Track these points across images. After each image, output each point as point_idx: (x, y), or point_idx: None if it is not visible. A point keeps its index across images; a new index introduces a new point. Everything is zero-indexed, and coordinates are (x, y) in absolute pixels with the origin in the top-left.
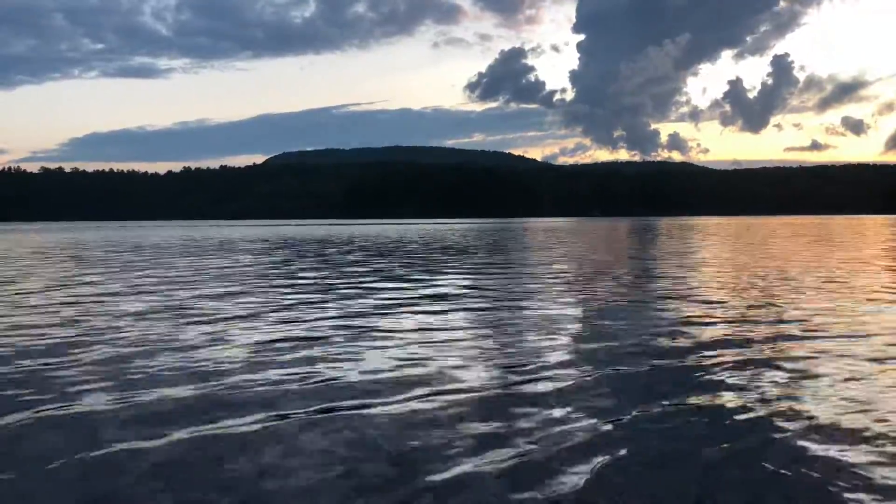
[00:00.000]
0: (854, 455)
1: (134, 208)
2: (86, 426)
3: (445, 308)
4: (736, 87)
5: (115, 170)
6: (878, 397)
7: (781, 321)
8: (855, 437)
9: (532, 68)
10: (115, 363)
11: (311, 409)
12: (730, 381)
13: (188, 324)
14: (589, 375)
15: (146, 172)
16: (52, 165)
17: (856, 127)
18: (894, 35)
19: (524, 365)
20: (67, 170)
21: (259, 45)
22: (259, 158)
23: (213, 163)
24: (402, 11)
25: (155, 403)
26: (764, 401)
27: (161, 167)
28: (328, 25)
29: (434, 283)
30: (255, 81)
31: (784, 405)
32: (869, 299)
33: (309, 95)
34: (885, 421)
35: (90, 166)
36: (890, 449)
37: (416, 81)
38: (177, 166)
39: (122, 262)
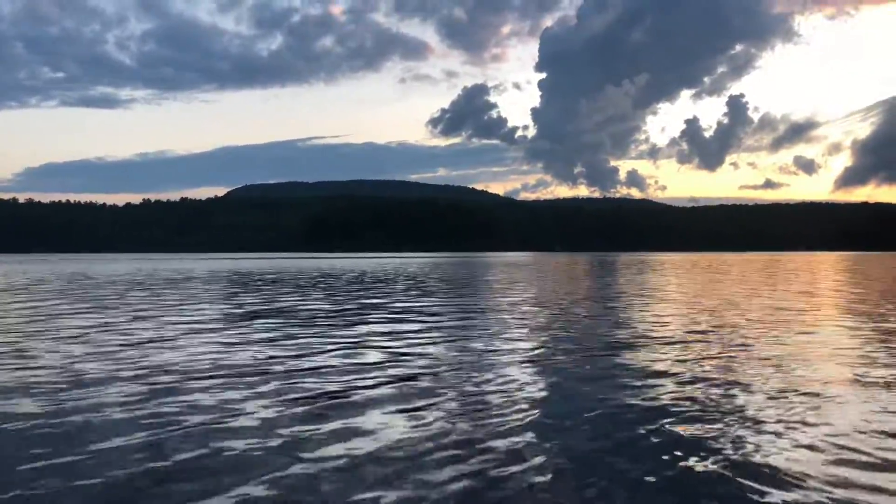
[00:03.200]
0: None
1: (91, 240)
2: None
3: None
4: (693, 125)
5: (73, 201)
6: (829, 411)
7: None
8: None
9: (494, 105)
10: None
11: None
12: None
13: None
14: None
15: (104, 204)
16: (6, 196)
17: (807, 166)
18: (844, 79)
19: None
20: (21, 200)
21: (224, 77)
22: (220, 191)
23: (174, 195)
24: (369, 47)
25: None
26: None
27: (120, 199)
28: (295, 58)
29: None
30: (218, 113)
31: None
32: (802, 327)
33: (273, 128)
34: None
35: (45, 197)
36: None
37: (382, 116)
38: (136, 198)
39: None
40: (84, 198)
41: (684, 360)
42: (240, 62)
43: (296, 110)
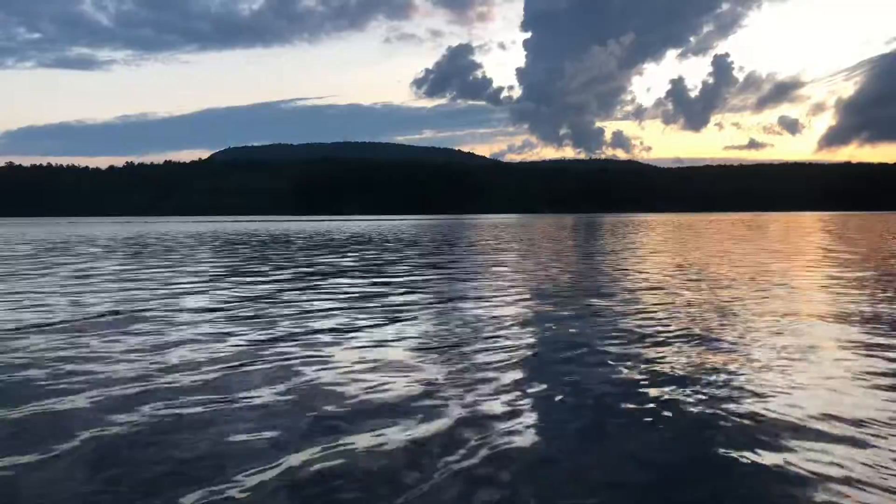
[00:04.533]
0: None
1: (75, 204)
2: None
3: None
4: (678, 86)
5: (54, 164)
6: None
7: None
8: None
9: (479, 65)
10: None
11: None
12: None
13: None
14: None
15: (86, 167)
16: None
17: (791, 126)
18: (829, 38)
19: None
20: (1, 164)
21: (205, 38)
22: (204, 153)
23: (157, 157)
24: (353, 6)
25: None
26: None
27: (102, 162)
28: (277, 18)
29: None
30: (200, 75)
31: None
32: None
33: (256, 89)
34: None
35: (26, 160)
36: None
37: (367, 77)
38: (119, 161)
39: None
40: (65, 161)
41: (658, 305)
42: (221, 22)
43: (279, 71)
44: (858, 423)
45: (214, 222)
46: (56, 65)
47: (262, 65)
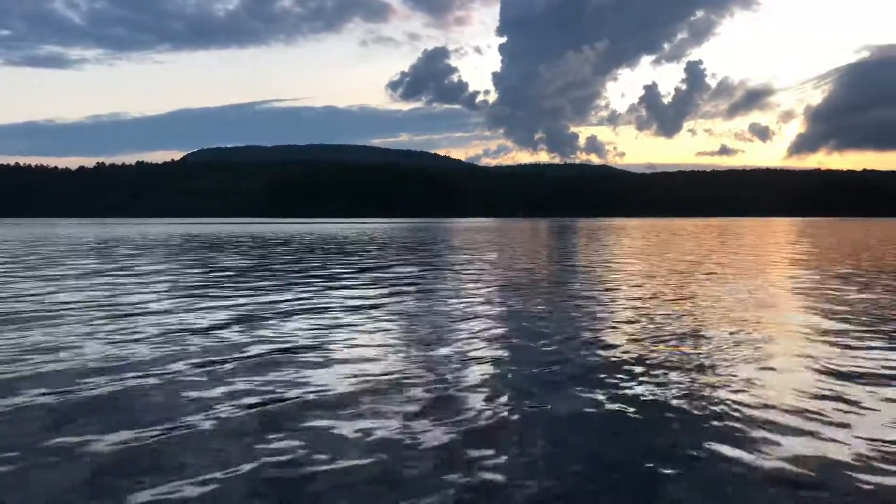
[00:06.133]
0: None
1: (44, 205)
2: None
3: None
4: (651, 92)
5: (22, 164)
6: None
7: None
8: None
9: (455, 69)
10: None
11: None
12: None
13: None
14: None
15: (56, 168)
16: None
17: (762, 133)
18: (799, 47)
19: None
20: None
21: (179, 38)
22: (177, 154)
23: (129, 158)
24: (329, 7)
25: None
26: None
27: (72, 162)
28: (253, 19)
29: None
30: (173, 75)
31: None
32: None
33: (230, 90)
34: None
35: None
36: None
37: (343, 79)
38: (89, 161)
39: None
40: (34, 161)
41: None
42: (195, 22)
43: (254, 72)
44: (803, 411)
45: (178, 224)
46: (25, 63)
47: (236, 66)
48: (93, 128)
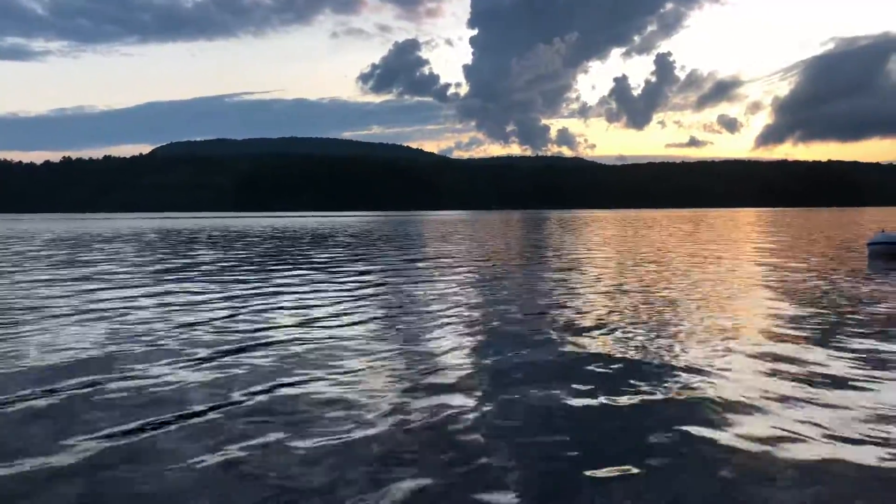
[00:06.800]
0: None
1: (8, 200)
2: None
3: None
4: (622, 84)
5: None
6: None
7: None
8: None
9: (426, 61)
10: None
11: None
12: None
13: None
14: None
15: (20, 162)
16: None
17: (730, 125)
18: (767, 39)
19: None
20: None
21: (146, 30)
22: (145, 148)
23: (96, 153)
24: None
25: None
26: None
27: (37, 156)
28: (221, 11)
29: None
30: (141, 68)
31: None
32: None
33: (199, 83)
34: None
35: None
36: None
37: (313, 71)
38: (55, 156)
39: None
40: None
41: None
42: (163, 14)
43: (224, 65)
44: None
45: (142, 219)
46: None
47: (205, 58)
48: (58, 121)
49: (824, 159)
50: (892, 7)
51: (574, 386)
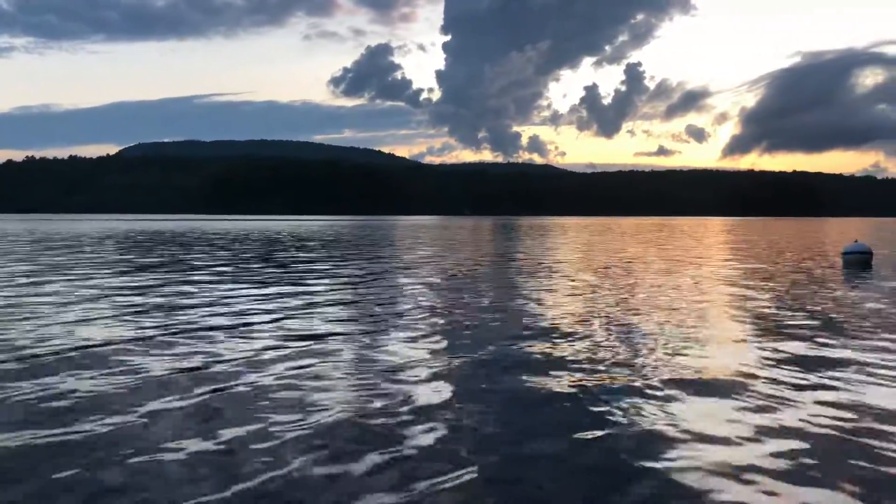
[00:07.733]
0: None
1: None
2: None
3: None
4: (592, 93)
5: None
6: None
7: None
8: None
9: (398, 66)
10: None
11: None
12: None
13: None
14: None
15: None
16: None
17: (698, 135)
18: (735, 51)
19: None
20: None
21: (114, 28)
22: (112, 149)
23: (61, 152)
24: (273, 1)
25: None
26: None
27: None
28: (192, 11)
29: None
30: (108, 66)
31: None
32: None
33: (168, 84)
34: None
35: None
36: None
37: (285, 74)
38: (18, 155)
39: None
40: None
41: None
42: (132, 12)
43: (193, 65)
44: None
45: (106, 221)
46: None
47: (175, 58)
48: (21, 119)
49: (789, 170)
50: (856, 23)
51: (525, 377)
